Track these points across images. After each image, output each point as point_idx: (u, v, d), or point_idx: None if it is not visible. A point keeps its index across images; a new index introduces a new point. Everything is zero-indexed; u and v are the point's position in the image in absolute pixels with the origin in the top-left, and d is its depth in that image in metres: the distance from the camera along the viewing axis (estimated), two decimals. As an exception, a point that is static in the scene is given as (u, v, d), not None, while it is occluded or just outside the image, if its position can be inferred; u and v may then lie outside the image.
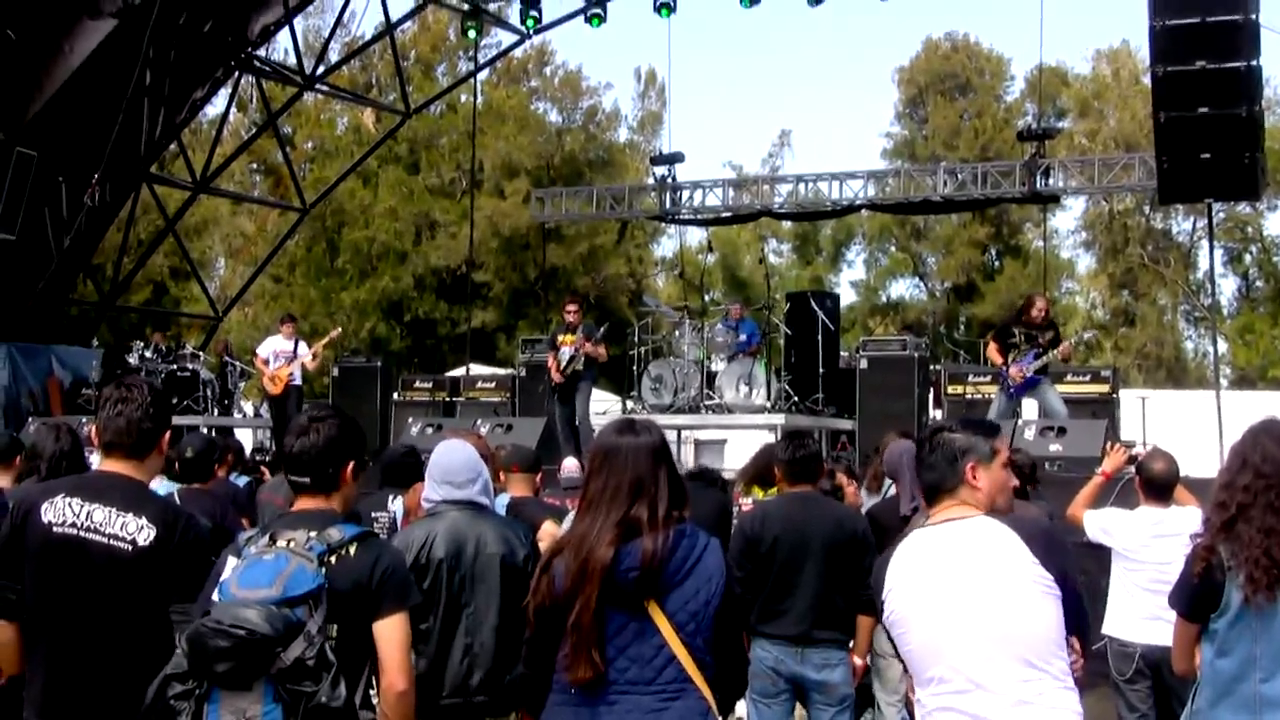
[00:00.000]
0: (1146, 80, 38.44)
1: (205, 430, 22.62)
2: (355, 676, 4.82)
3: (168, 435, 5.62)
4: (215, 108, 36.47)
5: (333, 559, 4.85)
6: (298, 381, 21.04)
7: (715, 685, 4.91)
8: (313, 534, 4.88)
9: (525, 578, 6.18)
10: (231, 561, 4.90)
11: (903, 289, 65.08)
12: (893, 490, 10.88)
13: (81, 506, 5.32)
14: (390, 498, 8.94)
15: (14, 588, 5.40)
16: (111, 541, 5.26)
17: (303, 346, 21.33)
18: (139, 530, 5.27)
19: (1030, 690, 4.76)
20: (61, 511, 5.32)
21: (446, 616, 6.37)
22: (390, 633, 4.92)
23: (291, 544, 4.84)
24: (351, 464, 5.22)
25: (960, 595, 4.84)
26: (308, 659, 4.57)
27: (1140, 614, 8.66)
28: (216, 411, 24.20)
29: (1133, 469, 9.66)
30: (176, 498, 8.97)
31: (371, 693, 5.01)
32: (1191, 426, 19.72)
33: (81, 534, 5.28)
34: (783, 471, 8.80)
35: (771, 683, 8.32)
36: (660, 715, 4.80)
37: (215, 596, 4.78)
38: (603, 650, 4.81)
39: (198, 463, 9.54)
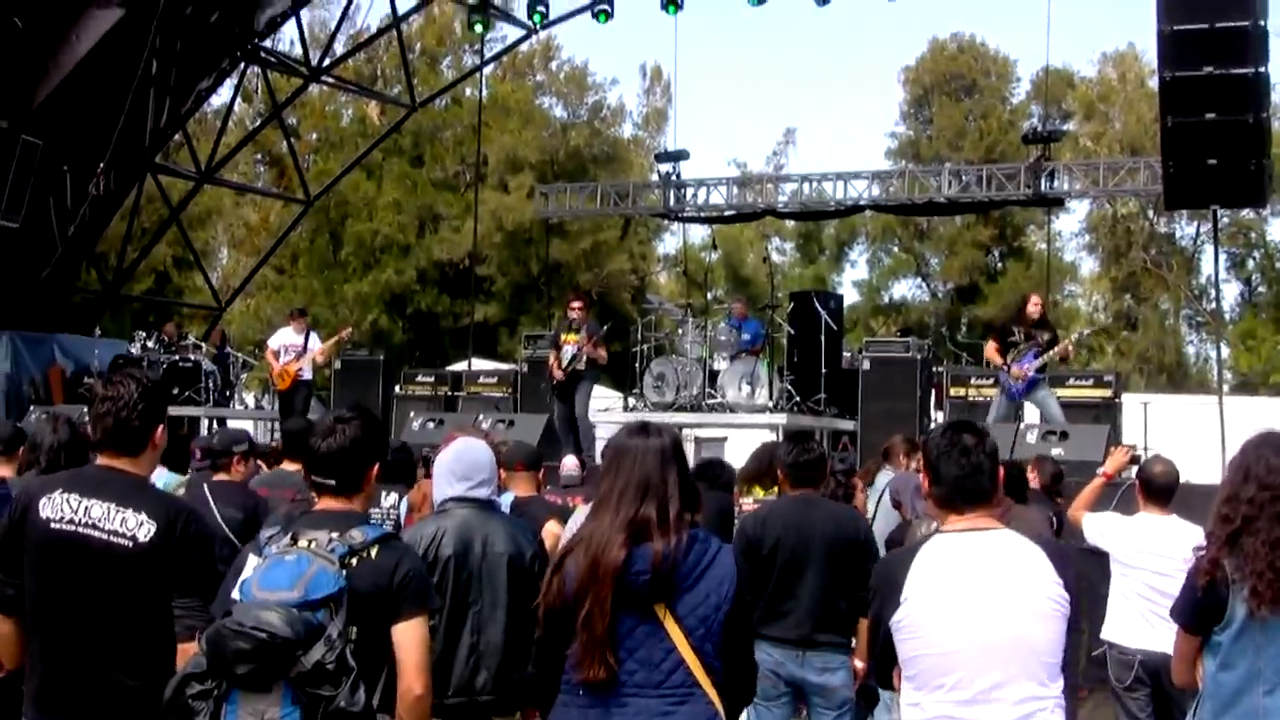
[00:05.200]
0: (1152, 84, 38.51)
1: (207, 421, 22.63)
2: (374, 679, 4.83)
3: (162, 429, 5.56)
4: (220, 98, 36.49)
5: (354, 561, 4.86)
6: (306, 376, 21.03)
7: (725, 691, 4.94)
8: (335, 535, 4.89)
9: (533, 578, 6.20)
10: (253, 560, 4.92)
11: (905, 289, 65.06)
12: (887, 507, 11.00)
13: (79, 502, 5.29)
14: (384, 494, 8.96)
15: (13, 583, 5.40)
16: (110, 538, 5.23)
17: (314, 339, 21.30)
18: (139, 526, 5.24)
19: (1033, 706, 4.85)
20: (59, 507, 5.30)
21: (452, 615, 6.38)
22: (409, 636, 4.93)
23: (313, 545, 4.84)
24: (376, 465, 5.25)
25: (986, 608, 4.92)
26: (328, 663, 4.59)
27: (1138, 620, 8.66)
28: (215, 402, 24.12)
29: (1134, 471, 9.68)
30: (207, 490, 8.98)
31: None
32: (1194, 432, 19.72)
33: (79, 530, 5.25)
34: (786, 474, 8.78)
35: (772, 685, 8.30)
36: (667, 719, 4.83)
37: (236, 595, 4.79)
38: (613, 651, 4.83)
39: (220, 454, 9.58)
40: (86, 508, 5.27)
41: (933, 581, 4.99)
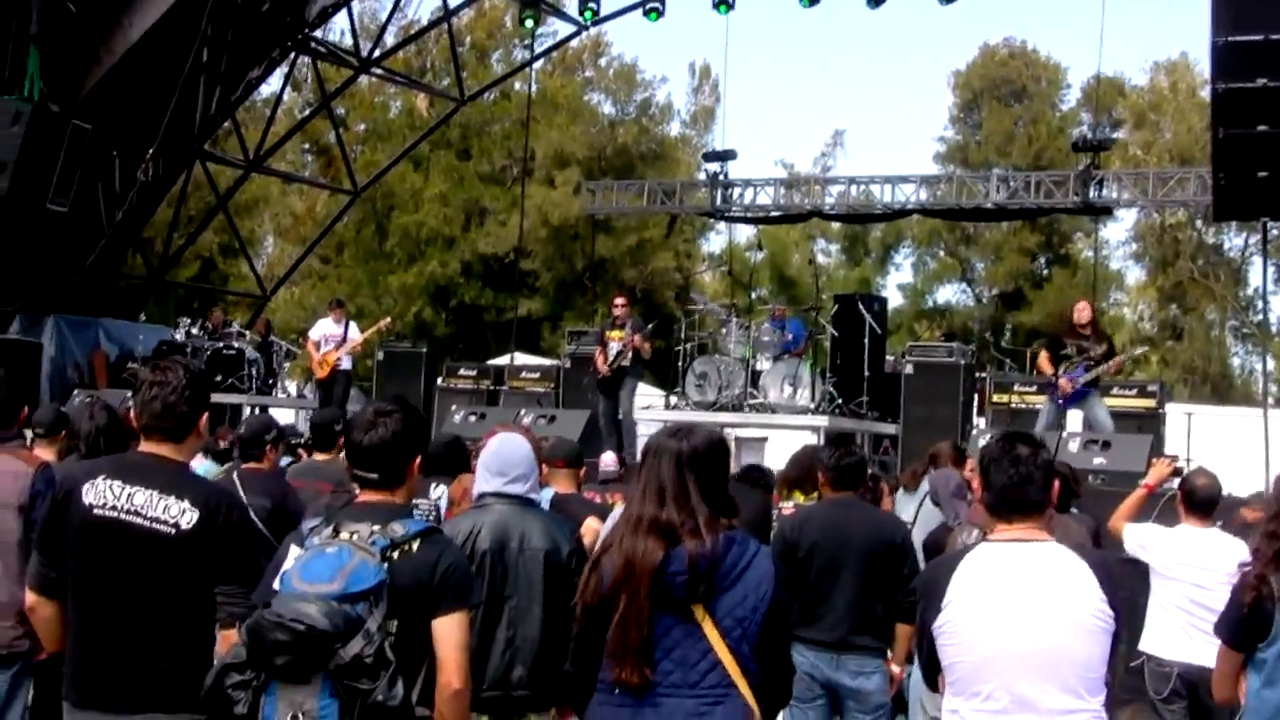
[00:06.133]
0: (1203, 94, 38.29)
1: (249, 409, 22.71)
2: (413, 672, 4.84)
3: (206, 417, 5.60)
4: (270, 87, 36.51)
5: (395, 554, 4.86)
6: (345, 366, 21.11)
7: (761, 692, 4.93)
8: (376, 528, 4.90)
9: (569, 575, 6.22)
10: (294, 551, 4.93)
11: (950, 294, 64.81)
12: (928, 512, 10.97)
13: (122, 489, 5.33)
14: (432, 485, 8.94)
15: (56, 566, 5.45)
16: (153, 525, 5.27)
17: (353, 329, 21.41)
18: (181, 514, 5.27)
19: (1072, 719, 4.81)
20: (102, 494, 5.33)
21: (489, 610, 6.40)
22: (449, 631, 4.93)
23: (355, 537, 4.85)
24: (418, 458, 5.25)
25: (1026, 618, 4.90)
26: (366, 656, 4.59)
27: (1177, 632, 8.62)
28: (258, 390, 24.16)
29: (1176, 483, 9.63)
30: (236, 478, 8.96)
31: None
32: (1237, 444, 19.60)
33: (122, 516, 5.29)
34: (827, 477, 8.77)
35: (807, 687, 8.28)
36: (702, 719, 4.82)
37: (276, 586, 4.80)
38: (649, 652, 4.84)
39: (250, 443, 9.52)
40: (130, 494, 5.31)
41: (974, 589, 4.98)
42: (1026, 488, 5.03)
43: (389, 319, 25.11)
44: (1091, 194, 26.62)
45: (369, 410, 5.25)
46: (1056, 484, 5.21)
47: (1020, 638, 4.86)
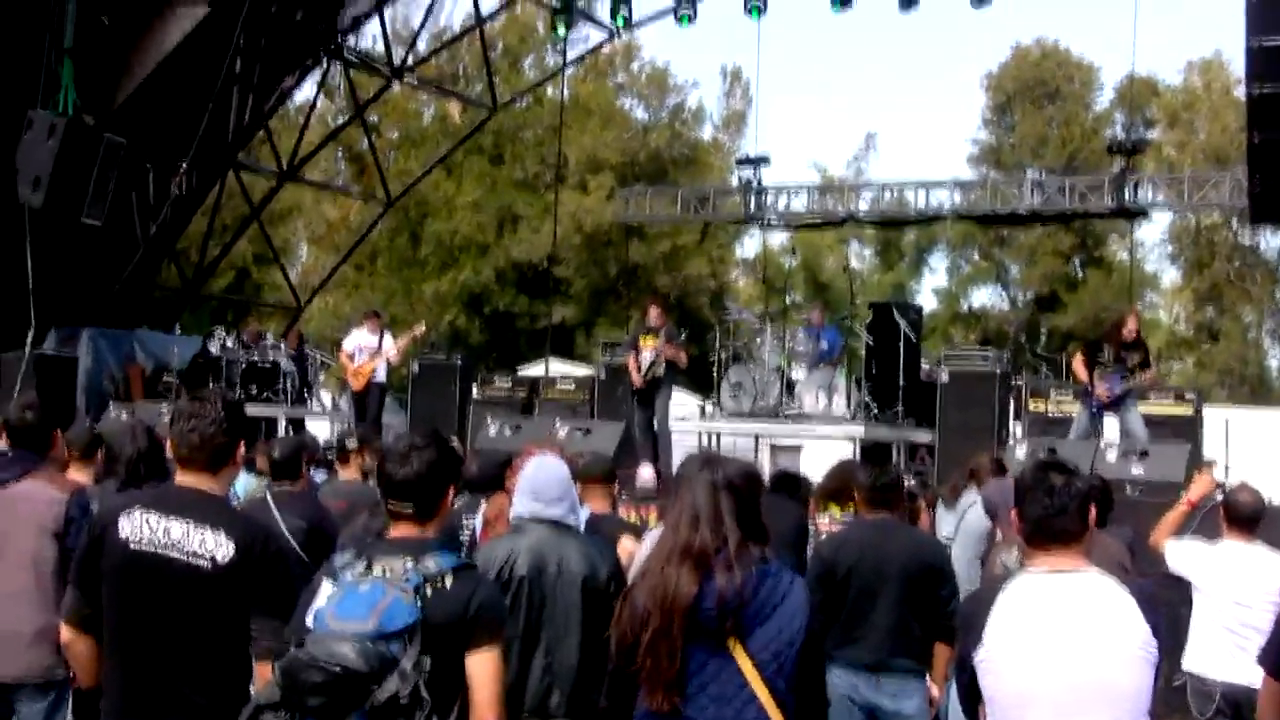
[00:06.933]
0: (1238, 93, 38.16)
1: (285, 422, 22.72)
2: (447, 708, 4.79)
3: (243, 445, 5.61)
4: (303, 94, 36.56)
5: (429, 590, 4.82)
6: (381, 378, 21.03)
7: (795, 723, 4.87)
8: (409, 563, 4.86)
9: (608, 598, 6.19)
10: (327, 586, 4.89)
11: (985, 297, 64.72)
12: (979, 517, 10.89)
13: (159, 522, 5.31)
14: (483, 502, 8.92)
15: (91, 601, 5.44)
16: (190, 559, 5.24)
17: (388, 340, 21.36)
18: (218, 547, 5.25)
19: None
20: (139, 527, 5.32)
21: (527, 635, 6.39)
22: (483, 667, 4.88)
23: (388, 573, 4.81)
24: (451, 490, 5.23)
25: (1071, 651, 4.84)
26: (402, 696, 4.55)
27: (1220, 651, 8.53)
28: (293, 402, 24.14)
29: (1219, 496, 9.56)
30: (270, 498, 8.90)
31: None
32: (1276, 446, 19.49)
33: (159, 550, 5.27)
34: (863, 496, 8.73)
35: (847, 710, 8.24)
36: (737, 754, 4.77)
37: (310, 623, 4.77)
38: (683, 686, 4.79)
39: (287, 465, 9.45)
40: (166, 528, 5.29)
41: (1012, 624, 4.92)
42: (1061, 518, 4.99)
43: (423, 326, 25.03)
44: (1126, 197, 26.59)
45: (402, 443, 5.22)
46: (1093, 509, 5.15)
47: (1066, 671, 4.81)
